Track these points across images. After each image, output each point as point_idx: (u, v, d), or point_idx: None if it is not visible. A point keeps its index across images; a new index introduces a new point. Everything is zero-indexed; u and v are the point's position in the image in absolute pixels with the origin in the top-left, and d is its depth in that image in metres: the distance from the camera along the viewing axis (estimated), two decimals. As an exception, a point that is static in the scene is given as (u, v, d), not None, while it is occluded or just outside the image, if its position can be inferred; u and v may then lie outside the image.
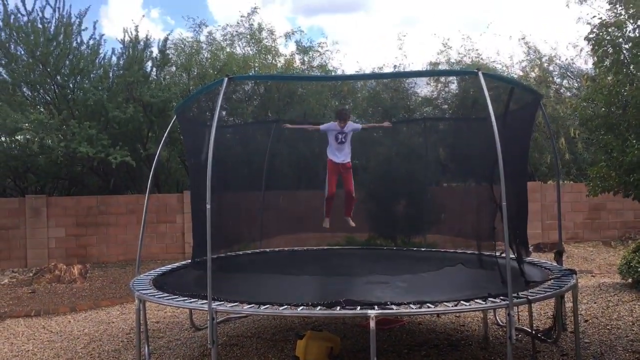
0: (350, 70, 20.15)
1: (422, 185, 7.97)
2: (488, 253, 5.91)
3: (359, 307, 3.97)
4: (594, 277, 8.99)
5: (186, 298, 4.54)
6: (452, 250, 7.06)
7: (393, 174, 8.20)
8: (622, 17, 5.59)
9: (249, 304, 4.21)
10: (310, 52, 15.43)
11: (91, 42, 13.22)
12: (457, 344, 5.49)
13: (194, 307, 4.76)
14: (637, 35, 5.55)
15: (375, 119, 14.42)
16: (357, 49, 37.56)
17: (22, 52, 12.57)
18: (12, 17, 12.30)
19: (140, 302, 4.95)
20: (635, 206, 12.14)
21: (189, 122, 6.48)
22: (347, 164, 5.61)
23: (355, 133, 6.55)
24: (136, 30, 13.31)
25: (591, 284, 7.92)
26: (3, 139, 12.95)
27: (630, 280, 7.20)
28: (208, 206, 4.09)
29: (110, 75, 13.23)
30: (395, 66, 15.75)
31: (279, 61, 15.19)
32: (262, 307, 4.15)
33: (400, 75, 15.19)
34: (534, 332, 5.14)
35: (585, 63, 15.35)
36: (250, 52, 15.37)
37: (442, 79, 14.93)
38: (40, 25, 12.38)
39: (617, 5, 5.68)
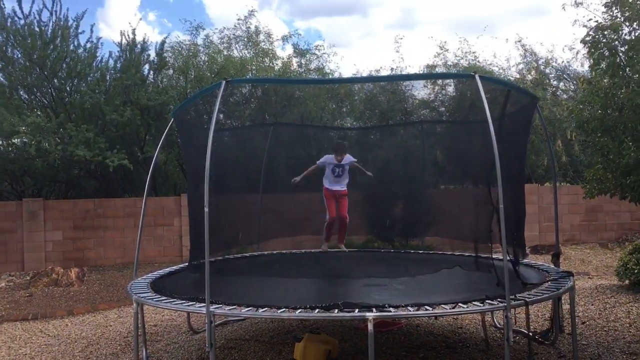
0: (347, 73, 20.20)
1: (420, 188, 7.98)
2: (485, 255, 5.93)
3: (357, 310, 3.97)
4: (591, 279, 9.01)
5: (184, 301, 4.54)
6: (449, 253, 7.07)
7: (390, 176, 8.21)
8: (618, 20, 5.61)
9: (247, 306, 4.20)
10: (307, 55, 15.44)
11: (88, 45, 13.24)
12: (455, 346, 5.50)
13: (192, 311, 4.75)
14: (633, 38, 5.58)
15: (372, 122, 14.48)
16: (354, 51, 37.65)
17: (19, 55, 12.56)
18: (9, 20, 12.29)
19: (138, 305, 4.94)
20: (631, 208, 12.18)
21: (187, 125, 6.48)
22: (343, 192, 5.62)
23: (354, 135, 6.56)
24: (133, 34, 13.32)
25: (588, 285, 7.93)
26: (0, 142, 12.93)
27: (627, 282, 7.22)
28: (206, 209, 4.09)
29: (108, 78, 13.21)
30: (392, 69, 15.78)
31: (277, 64, 15.20)
32: (260, 310, 4.15)
33: (397, 79, 15.23)
34: (531, 334, 5.15)
35: (582, 65, 15.38)
36: (248, 55, 15.37)
37: (439, 81, 14.96)
38: (37, 29, 12.37)
39: (613, 8, 5.70)
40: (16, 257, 11.90)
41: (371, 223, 8.23)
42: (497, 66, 16.53)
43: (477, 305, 4.12)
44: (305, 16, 42.27)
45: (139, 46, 13.38)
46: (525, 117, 5.71)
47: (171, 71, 14.71)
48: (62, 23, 12.77)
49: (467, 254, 6.61)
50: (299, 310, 4.07)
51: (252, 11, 16.31)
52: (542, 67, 16.81)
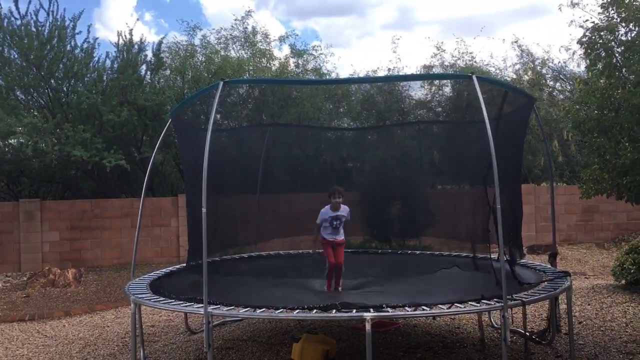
0: (344, 74, 20.20)
1: (417, 188, 7.99)
2: (483, 255, 5.95)
3: (354, 310, 3.99)
4: (588, 279, 9.04)
5: (182, 302, 4.54)
6: (447, 253, 7.09)
7: (387, 177, 8.22)
8: (615, 20, 5.63)
9: (245, 307, 4.21)
10: (304, 55, 15.44)
11: (85, 45, 13.22)
12: (452, 346, 5.51)
13: (190, 311, 4.75)
14: (629, 38, 5.59)
15: (369, 122, 14.50)
16: (351, 51, 37.68)
17: (16, 56, 12.55)
18: (6, 20, 12.29)
19: (135, 306, 4.93)
20: (628, 208, 12.21)
21: (184, 126, 6.48)
22: (341, 240, 5.72)
23: (351, 135, 6.57)
24: (130, 34, 13.31)
25: (585, 285, 7.96)
26: (-4, 142, 12.91)
27: (623, 281, 7.24)
28: (204, 210, 4.08)
29: (104, 78, 13.20)
30: (389, 69, 15.81)
31: (274, 64, 15.19)
32: (258, 311, 4.16)
33: (394, 79, 15.24)
34: (528, 334, 5.16)
35: (578, 66, 15.43)
36: (245, 55, 15.36)
37: (436, 81, 14.98)
38: (34, 29, 12.36)
39: (610, 9, 5.72)
40: (13, 257, 11.87)
41: (368, 223, 8.22)
42: (494, 67, 16.58)
43: (474, 305, 4.13)
44: (302, 16, 42.31)
45: (136, 46, 13.38)
46: (522, 118, 5.73)
47: (168, 71, 14.70)
48: (59, 23, 12.76)
49: (464, 254, 6.63)
50: (297, 311, 4.08)
51: (249, 11, 16.38)
52: (538, 67, 16.86)
